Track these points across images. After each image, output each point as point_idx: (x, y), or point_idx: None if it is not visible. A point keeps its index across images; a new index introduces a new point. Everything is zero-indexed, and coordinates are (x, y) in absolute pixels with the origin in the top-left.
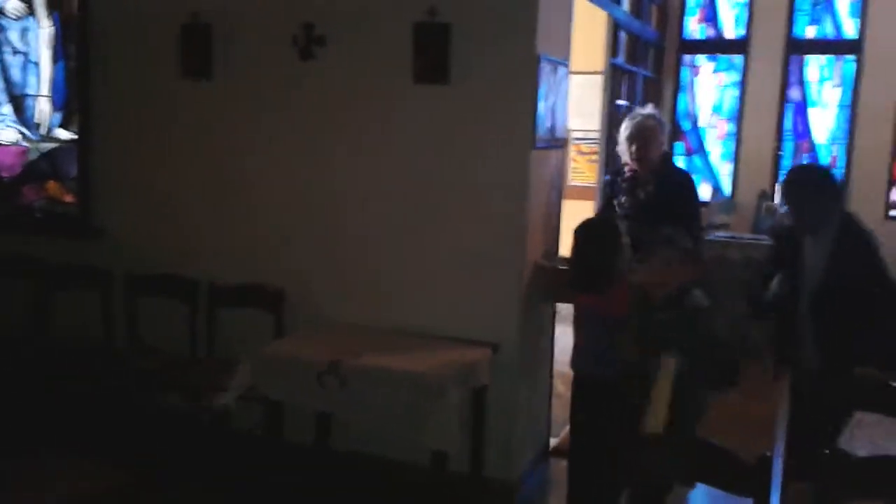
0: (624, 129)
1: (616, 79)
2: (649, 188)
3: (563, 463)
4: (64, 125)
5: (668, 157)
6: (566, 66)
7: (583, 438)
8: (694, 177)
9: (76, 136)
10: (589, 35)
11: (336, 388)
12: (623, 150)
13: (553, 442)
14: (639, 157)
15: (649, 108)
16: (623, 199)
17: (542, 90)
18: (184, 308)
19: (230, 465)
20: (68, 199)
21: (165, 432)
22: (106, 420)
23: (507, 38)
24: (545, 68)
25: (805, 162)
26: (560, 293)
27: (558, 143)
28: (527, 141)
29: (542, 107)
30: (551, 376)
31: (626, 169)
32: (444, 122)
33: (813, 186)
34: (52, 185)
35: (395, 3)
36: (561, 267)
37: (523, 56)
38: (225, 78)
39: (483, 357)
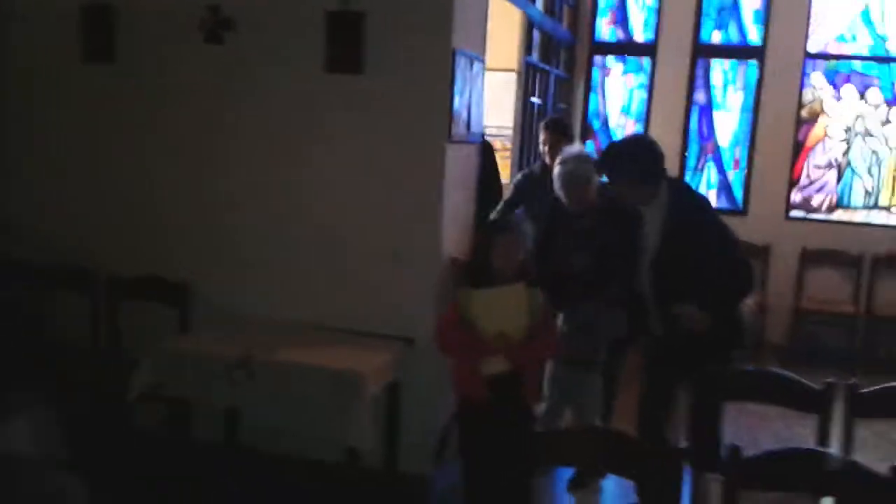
0: (556, 178)
1: (530, 77)
2: (586, 222)
3: None
4: None
5: (603, 191)
6: (482, 61)
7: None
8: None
9: None
10: (503, 33)
11: (246, 384)
12: (559, 194)
13: None
14: (577, 203)
15: (577, 148)
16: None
17: (457, 84)
18: (84, 301)
19: (135, 464)
20: None
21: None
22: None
23: (422, 30)
24: (461, 62)
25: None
26: None
27: (474, 137)
28: (442, 134)
29: (457, 101)
30: None
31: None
32: (358, 112)
33: (628, 160)
34: None
35: None
36: None
37: (439, 49)
38: (128, 62)
39: (398, 352)
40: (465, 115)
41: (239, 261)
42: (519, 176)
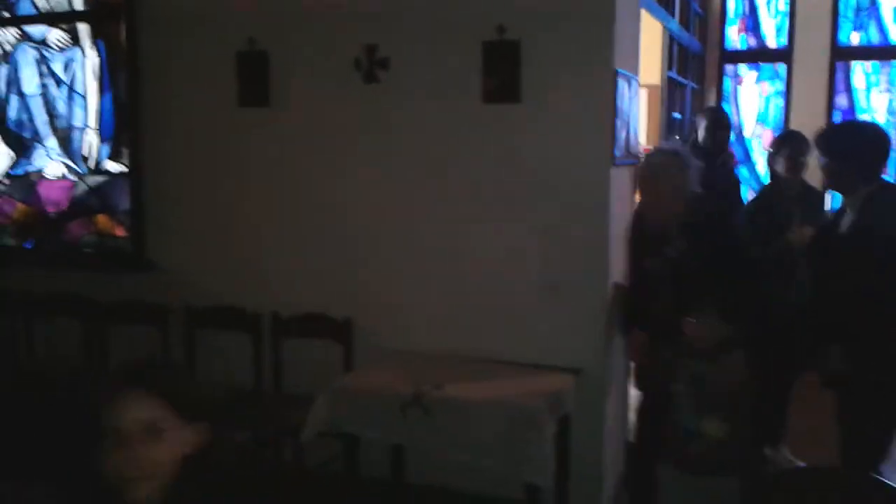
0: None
1: (672, 91)
2: (679, 244)
3: None
4: (113, 157)
5: (697, 200)
6: (637, 79)
7: None
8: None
9: (126, 169)
10: (645, 47)
11: (421, 421)
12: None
13: None
14: (652, 207)
15: (669, 143)
16: (649, 260)
17: (618, 105)
18: (247, 341)
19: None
20: (119, 232)
21: (236, 472)
22: None
23: (582, 53)
24: (620, 83)
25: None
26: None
27: (633, 158)
28: (606, 158)
29: (618, 123)
30: (627, 399)
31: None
32: (518, 142)
33: (861, 140)
34: (101, 219)
35: (461, 21)
36: None
37: (601, 71)
38: (284, 105)
39: (567, 383)
40: (624, 136)
41: (398, 295)
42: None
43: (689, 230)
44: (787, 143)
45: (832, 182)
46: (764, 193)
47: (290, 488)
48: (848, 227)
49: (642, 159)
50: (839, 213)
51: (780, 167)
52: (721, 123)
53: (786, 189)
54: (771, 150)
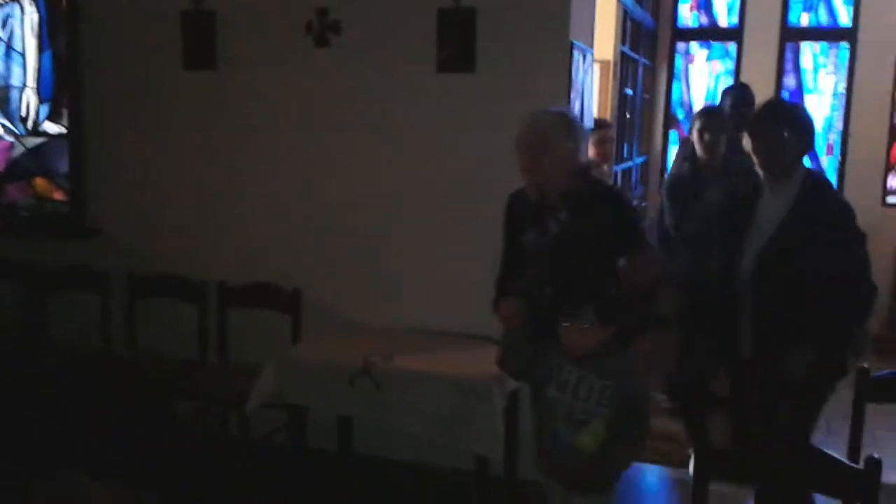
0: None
1: (624, 67)
2: (561, 216)
3: None
4: (52, 118)
5: (582, 171)
6: (591, 53)
7: None
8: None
9: (66, 130)
10: (599, 22)
11: (370, 392)
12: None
13: None
14: (528, 173)
15: (557, 106)
16: (529, 234)
17: (573, 78)
18: (191, 311)
19: (252, 474)
20: (58, 196)
21: (181, 444)
22: (114, 433)
23: (537, 24)
24: (575, 55)
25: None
26: None
27: (586, 131)
28: None
29: (573, 95)
30: None
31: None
32: (470, 112)
33: (801, 116)
34: (39, 183)
35: None
36: None
37: (556, 43)
38: (231, 68)
39: None
40: (578, 109)
41: (347, 265)
42: (668, 179)
43: (575, 202)
44: (701, 119)
45: (777, 160)
46: (683, 173)
47: (235, 459)
48: (789, 213)
49: (523, 119)
50: (754, 196)
51: (697, 144)
52: (746, 101)
53: (703, 166)
54: (690, 125)
